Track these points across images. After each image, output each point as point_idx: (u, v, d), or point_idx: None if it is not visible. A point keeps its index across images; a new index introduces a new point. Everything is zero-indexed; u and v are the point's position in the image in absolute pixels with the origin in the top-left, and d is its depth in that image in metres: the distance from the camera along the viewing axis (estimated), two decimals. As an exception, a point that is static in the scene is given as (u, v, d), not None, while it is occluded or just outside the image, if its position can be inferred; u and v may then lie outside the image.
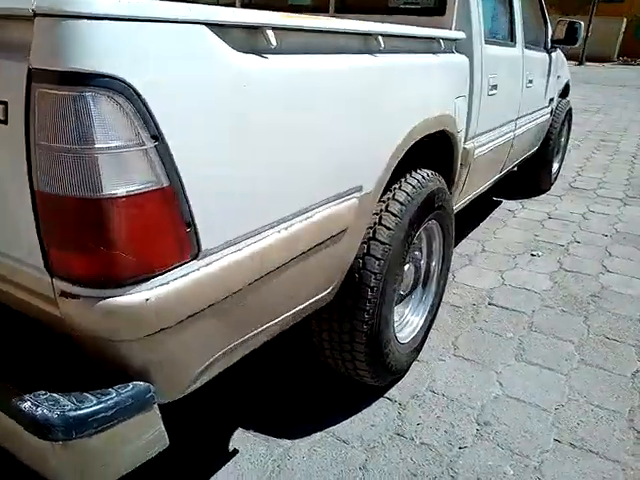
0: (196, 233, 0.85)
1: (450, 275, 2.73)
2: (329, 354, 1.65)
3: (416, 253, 1.94)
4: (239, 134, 0.91)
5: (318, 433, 1.63)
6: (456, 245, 3.13)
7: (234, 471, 1.48)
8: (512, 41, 2.60)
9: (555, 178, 4.48)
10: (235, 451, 1.55)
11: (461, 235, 3.30)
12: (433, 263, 1.97)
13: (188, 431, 1.61)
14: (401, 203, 1.55)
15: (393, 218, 1.53)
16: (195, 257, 0.87)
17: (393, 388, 1.85)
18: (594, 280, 2.75)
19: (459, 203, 2.37)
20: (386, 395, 1.81)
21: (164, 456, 1.49)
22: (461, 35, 1.88)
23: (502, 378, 1.93)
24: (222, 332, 1.00)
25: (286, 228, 1.06)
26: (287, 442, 1.59)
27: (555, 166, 4.41)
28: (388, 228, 1.51)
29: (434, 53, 1.69)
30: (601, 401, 1.83)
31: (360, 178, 1.30)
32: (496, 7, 2.48)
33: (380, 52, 1.35)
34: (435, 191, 1.71)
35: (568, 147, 5.00)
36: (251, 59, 0.93)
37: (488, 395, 1.84)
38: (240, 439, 1.60)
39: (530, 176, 4.17)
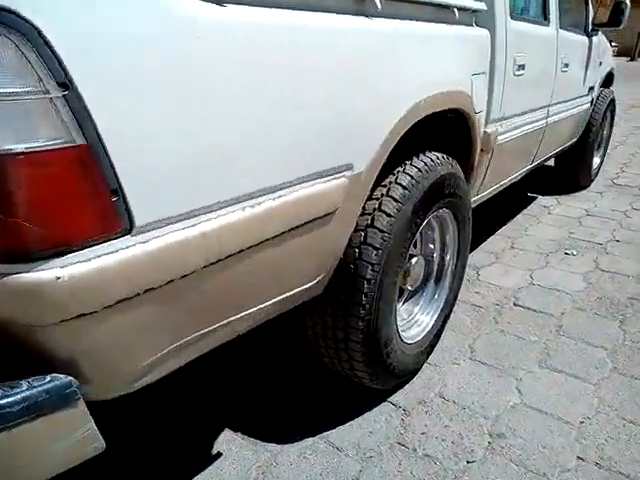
0: (126, 204, 0.73)
1: (473, 273, 2.54)
2: (325, 352, 1.51)
3: (428, 245, 1.77)
4: (186, 90, 0.78)
5: (311, 438, 1.49)
6: (483, 241, 2.94)
7: (214, 476, 1.36)
8: (545, 19, 2.39)
9: (596, 174, 4.20)
10: (219, 454, 1.43)
11: (490, 231, 3.10)
12: (447, 257, 1.80)
13: (172, 429, 1.51)
14: (404, 187, 1.40)
15: (394, 204, 1.37)
16: (127, 232, 0.74)
17: (398, 392, 1.69)
18: (633, 282, 2.51)
19: (482, 193, 2.18)
20: (390, 400, 1.66)
21: (141, 454, 1.40)
22: (481, 6, 1.71)
23: (522, 385, 1.75)
24: (171, 322, 0.88)
25: (252, 206, 0.93)
26: (276, 447, 1.46)
27: (596, 161, 4.12)
28: (388, 215, 1.36)
29: (446, 23, 1.52)
30: (635, 416, 1.62)
31: (349, 155, 1.15)
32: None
33: (377, 15, 1.20)
34: (446, 176, 1.54)
35: (611, 142, 4.68)
36: (206, 7, 0.80)
37: (505, 404, 1.66)
38: (226, 441, 1.48)
39: (568, 171, 3.90)
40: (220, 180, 0.87)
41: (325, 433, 1.51)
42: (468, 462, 1.44)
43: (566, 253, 2.85)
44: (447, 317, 1.85)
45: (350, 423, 1.55)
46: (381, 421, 1.57)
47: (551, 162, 4.08)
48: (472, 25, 1.73)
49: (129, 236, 0.75)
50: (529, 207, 3.62)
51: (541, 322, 2.14)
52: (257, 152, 0.93)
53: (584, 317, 2.20)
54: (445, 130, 1.72)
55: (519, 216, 3.42)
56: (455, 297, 1.87)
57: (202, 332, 0.95)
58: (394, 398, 1.67)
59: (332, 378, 1.70)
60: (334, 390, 1.68)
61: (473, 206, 2.21)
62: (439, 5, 1.48)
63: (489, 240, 2.99)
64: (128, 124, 0.71)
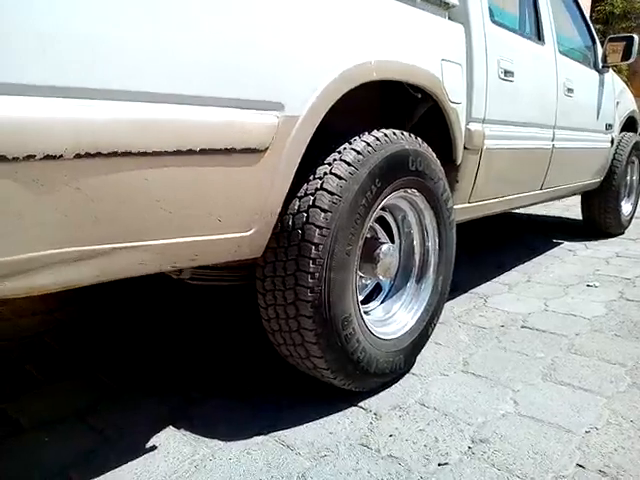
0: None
1: (481, 300, 2.35)
2: (280, 339, 1.36)
3: (407, 237, 1.65)
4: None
5: (260, 437, 1.31)
6: (496, 276, 2.74)
7: (142, 469, 1.19)
8: (539, 39, 2.37)
9: (629, 222, 3.95)
10: (153, 447, 1.27)
11: (504, 268, 2.90)
12: (429, 252, 1.66)
13: (111, 418, 1.36)
14: (358, 152, 1.32)
15: (346, 166, 1.29)
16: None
17: (372, 397, 1.50)
18: (664, 308, 2.24)
19: (477, 202, 2.05)
20: (360, 404, 1.46)
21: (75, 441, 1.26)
22: (452, 0, 1.70)
23: (519, 396, 1.52)
24: (39, 215, 0.80)
25: (145, 108, 0.87)
26: (219, 443, 1.29)
27: (627, 208, 3.91)
28: (339, 177, 1.27)
29: (410, 5, 1.51)
30: (654, 428, 1.36)
31: (279, 93, 1.10)
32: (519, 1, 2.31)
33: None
34: (410, 151, 1.45)
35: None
36: None
37: (494, 412, 1.43)
38: (166, 437, 1.31)
39: (596, 218, 3.70)
40: (102, 65, 0.82)
41: (278, 432, 1.33)
42: (440, 464, 1.21)
43: (588, 285, 2.61)
44: (432, 320, 1.66)
45: (309, 424, 1.37)
46: (345, 423, 1.37)
47: (579, 215, 3.91)
48: (444, 17, 1.71)
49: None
50: (553, 250, 3.40)
51: (550, 341, 1.91)
52: (160, 51, 0.88)
53: (601, 337, 1.95)
54: (427, 121, 1.68)
55: (540, 257, 3.21)
56: (441, 298, 1.69)
57: (81, 249, 0.86)
58: (366, 402, 1.47)
59: (297, 380, 1.53)
60: (297, 392, 1.51)
61: (470, 216, 2.09)
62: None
63: (503, 275, 2.79)
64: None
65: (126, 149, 0.85)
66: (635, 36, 3.08)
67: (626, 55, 3.07)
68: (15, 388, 1.52)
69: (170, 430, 1.34)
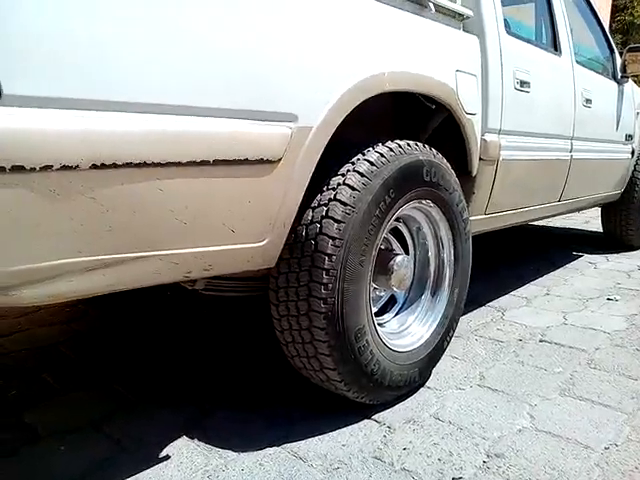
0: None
1: (498, 314, 2.32)
2: (293, 350, 1.36)
3: (422, 248, 1.64)
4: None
5: (273, 448, 1.31)
6: (514, 289, 2.70)
7: (154, 477, 1.20)
8: (556, 50, 2.36)
9: (651, 234, 3.87)
10: (167, 457, 1.27)
11: (523, 281, 2.86)
12: (445, 265, 1.65)
13: (126, 429, 1.37)
14: (372, 163, 1.32)
15: (359, 177, 1.29)
16: (-5, 99, 0.72)
17: (386, 411, 1.48)
18: (687, 322, 2.18)
19: (494, 213, 2.04)
20: (374, 417, 1.45)
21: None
22: (466, 11, 1.70)
23: (535, 411, 1.49)
24: (55, 224, 0.81)
25: (160, 120, 0.89)
26: (232, 454, 1.28)
27: (649, 220, 3.83)
28: (352, 188, 1.28)
29: (418, 14, 1.52)
30: (677, 445, 1.32)
31: (292, 105, 1.11)
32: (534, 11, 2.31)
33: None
34: (424, 162, 1.45)
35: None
36: None
37: (511, 427, 1.41)
38: (179, 446, 1.32)
39: (617, 231, 3.63)
40: (118, 78, 0.84)
41: (291, 444, 1.32)
42: (454, 479, 1.19)
43: (609, 299, 2.56)
44: (448, 333, 1.65)
45: (322, 436, 1.36)
46: (359, 435, 1.36)
47: (600, 227, 3.85)
48: (459, 29, 1.72)
49: (-4, 105, 0.72)
50: (573, 262, 3.35)
51: (569, 356, 1.87)
52: (173, 64, 0.90)
53: (622, 352, 1.91)
54: (443, 132, 1.68)
55: (560, 269, 3.17)
56: (456, 311, 1.68)
57: (96, 258, 0.88)
58: (379, 415, 1.46)
59: (310, 392, 1.53)
60: (310, 404, 1.50)
61: (487, 228, 2.07)
62: (414, 0, 1.50)
63: (521, 288, 2.75)
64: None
65: (141, 160, 0.87)
66: (653, 46, 3.05)
67: (645, 66, 3.04)
68: (32, 396, 1.54)
69: (184, 440, 1.34)
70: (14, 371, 1.70)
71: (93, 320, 2.19)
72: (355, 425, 1.41)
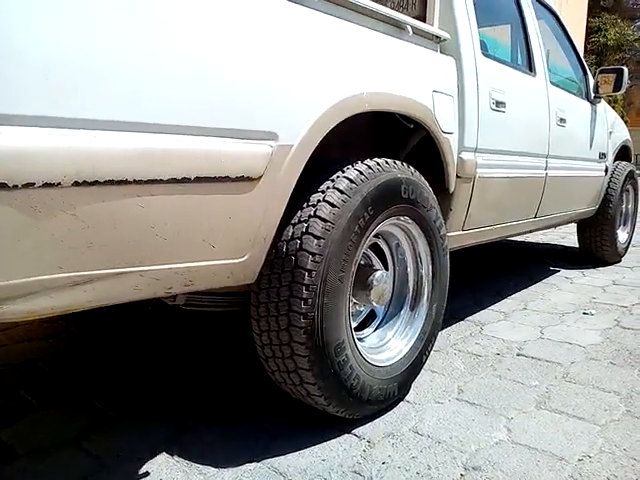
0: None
1: (477, 328, 2.36)
2: (273, 365, 1.37)
3: (401, 265, 1.67)
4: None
5: (253, 463, 1.31)
6: (492, 304, 2.75)
7: (133, 495, 1.19)
8: (531, 70, 2.43)
9: (625, 250, 3.97)
10: (146, 474, 1.27)
11: (500, 296, 2.91)
12: (424, 281, 1.68)
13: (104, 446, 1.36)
14: (351, 181, 1.35)
15: (339, 194, 1.32)
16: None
17: (365, 425, 1.50)
18: (659, 336, 2.24)
19: (471, 229, 2.08)
20: (354, 432, 1.46)
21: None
22: (443, 34, 1.76)
23: (512, 424, 1.51)
24: (35, 240, 0.82)
25: (143, 138, 0.91)
26: (211, 470, 1.28)
27: (623, 237, 3.93)
28: (332, 205, 1.30)
29: (396, 37, 1.57)
30: (647, 455, 1.35)
31: (273, 124, 1.14)
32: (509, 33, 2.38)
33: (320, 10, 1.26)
34: (402, 180, 1.49)
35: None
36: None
37: (488, 440, 1.43)
38: (159, 463, 1.31)
39: (592, 246, 3.72)
40: (100, 97, 0.85)
41: (271, 459, 1.33)
42: (432, 492, 1.21)
43: (584, 313, 2.62)
44: (427, 347, 1.67)
45: (302, 451, 1.36)
46: (338, 450, 1.37)
47: (575, 243, 3.94)
48: (436, 50, 1.77)
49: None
50: (549, 277, 3.42)
51: (545, 370, 1.91)
52: (158, 84, 0.92)
53: (596, 365, 1.95)
54: (421, 150, 1.72)
55: (537, 284, 3.22)
56: (434, 326, 1.70)
57: (77, 274, 0.88)
58: (359, 430, 1.47)
59: (290, 407, 1.54)
60: (290, 419, 1.51)
61: (465, 244, 2.12)
62: (392, 23, 1.55)
63: (499, 302, 2.79)
64: None
65: (122, 177, 0.88)
66: (625, 68, 3.17)
67: (617, 86, 3.14)
68: (10, 414, 1.52)
69: (163, 456, 1.33)
70: (-10, 388, 1.68)
71: (72, 336, 2.17)
72: (335, 440, 1.42)
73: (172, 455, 1.34)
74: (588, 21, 13.30)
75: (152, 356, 1.97)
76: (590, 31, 13.67)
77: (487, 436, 1.45)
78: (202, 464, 1.30)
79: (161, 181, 0.94)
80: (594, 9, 13.81)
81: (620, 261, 3.89)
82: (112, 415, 1.52)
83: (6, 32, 0.75)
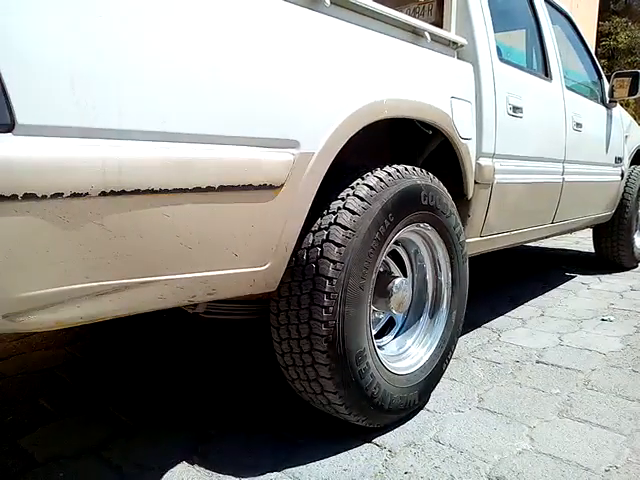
0: (6, 97, 0.72)
1: (495, 335, 2.33)
2: (294, 374, 1.36)
3: (420, 272, 1.66)
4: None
5: (274, 473, 1.30)
6: (509, 310, 2.72)
7: (155, 505, 1.19)
8: (547, 75, 2.42)
9: (642, 255, 3.92)
10: (167, 484, 1.26)
11: (517, 302, 2.88)
12: (443, 288, 1.66)
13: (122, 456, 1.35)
14: (371, 187, 1.35)
15: (359, 202, 1.31)
16: (8, 130, 0.73)
17: (387, 434, 1.48)
18: (681, 342, 2.21)
19: (489, 235, 2.06)
20: (375, 441, 1.45)
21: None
22: (460, 40, 1.75)
23: (535, 433, 1.49)
24: (62, 250, 0.82)
25: (167, 148, 0.91)
26: (232, 479, 1.27)
27: (639, 241, 3.88)
28: (352, 212, 1.30)
29: (415, 44, 1.56)
30: (676, 466, 1.33)
31: (295, 132, 1.13)
32: (525, 39, 2.37)
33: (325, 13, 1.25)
34: (422, 186, 1.48)
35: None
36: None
37: (511, 449, 1.41)
38: (180, 472, 1.30)
39: (608, 251, 3.68)
40: (127, 107, 0.86)
41: (292, 468, 1.32)
42: (456, 503, 1.19)
43: (603, 319, 2.58)
44: (446, 355, 1.65)
45: (323, 460, 1.35)
46: (360, 459, 1.36)
47: (591, 248, 3.90)
48: (453, 56, 1.77)
49: (10, 134, 0.73)
50: (566, 283, 3.38)
51: (566, 377, 1.88)
52: (181, 93, 0.92)
53: (618, 373, 1.92)
54: (440, 157, 1.71)
55: (554, 290, 3.19)
56: (454, 333, 1.69)
57: (103, 283, 0.88)
58: (380, 439, 1.46)
59: (311, 416, 1.53)
60: (311, 428, 1.50)
61: (483, 250, 2.10)
62: (411, 30, 1.55)
63: (516, 309, 2.77)
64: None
65: (149, 187, 0.88)
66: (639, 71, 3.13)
67: (632, 90, 3.11)
68: (29, 422, 1.53)
69: (184, 466, 1.33)
70: (10, 396, 1.69)
71: (89, 343, 2.17)
72: (356, 449, 1.40)
73: (193, 464, 1.33)
74: (599, 25, 13.26)
75: (171, 364, 1.97)
76: (601, 35, 13.60)
77: (510, 445, 1.43)
78: (223, 474, 1.30)
79: (186, 190, 0.94)
80: (604, 13, 13.75)
81: (637, 266, 3.85)
82: (131, 424, 1.52)
83: (38, 45, 0.75)
